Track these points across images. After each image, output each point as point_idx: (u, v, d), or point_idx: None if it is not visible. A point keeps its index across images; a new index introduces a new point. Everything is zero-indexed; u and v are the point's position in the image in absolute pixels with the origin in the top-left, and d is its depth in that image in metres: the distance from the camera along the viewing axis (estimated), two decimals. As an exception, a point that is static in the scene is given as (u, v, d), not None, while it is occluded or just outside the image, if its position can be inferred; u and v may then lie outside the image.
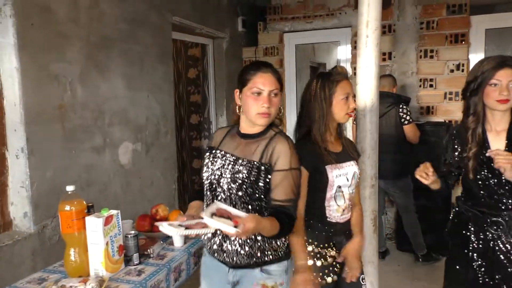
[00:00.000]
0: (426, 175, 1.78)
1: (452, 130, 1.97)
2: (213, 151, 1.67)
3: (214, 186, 1.60)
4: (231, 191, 1.54)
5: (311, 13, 4.52)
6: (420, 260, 3.63)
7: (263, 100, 1.51)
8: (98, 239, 1.67)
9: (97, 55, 2.65)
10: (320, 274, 1.75)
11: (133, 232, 1.86)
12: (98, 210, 1.80)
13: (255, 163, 1.54)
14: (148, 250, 1.92)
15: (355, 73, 3.16)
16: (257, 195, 1.54)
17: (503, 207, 1.78)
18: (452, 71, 4.02)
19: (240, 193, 1.53)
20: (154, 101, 3.21)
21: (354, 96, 1.82)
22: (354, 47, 4.35)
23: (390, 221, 4.05)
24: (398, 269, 3.47)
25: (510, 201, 1.77)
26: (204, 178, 1.64)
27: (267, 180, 1.53)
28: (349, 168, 1.80)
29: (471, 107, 1.82)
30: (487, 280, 1.82)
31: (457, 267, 1.93)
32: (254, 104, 1.53)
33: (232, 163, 1.57)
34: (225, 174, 1.57)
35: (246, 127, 1.62)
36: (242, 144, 1.61)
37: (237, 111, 1.63)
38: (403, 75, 4.16)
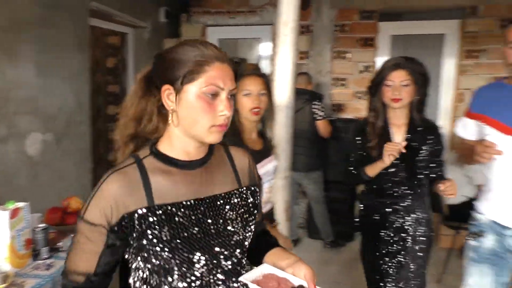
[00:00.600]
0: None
1: (356, 125, 2.15)
2: (151, 217, 0.95)
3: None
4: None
5: (234, 8, 4.59)
6: (328, 246, 3.91)
7: (222, 105, 0.98)
8: (1, 233, 1.59)
9: (3, 39, 2.47)
10: None
11: (42, 225, 1.79)
12: (3, 203, 1.70)
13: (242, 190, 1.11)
14: (59, 244, 1.86)
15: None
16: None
17: (401, 194, 1.97)
18: (361, 72, 4.33)
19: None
20: (68, 89, 3.07)
21: (266, 94, 1.77)
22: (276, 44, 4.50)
23: (302, 211, 4.28)
24: (309, 256, 3.69)
25: (407, 189, 1.98)
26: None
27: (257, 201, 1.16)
28: (270, 165, 1.85)
29: (372, 104, 2.02)
30: (396, 264, 2.01)
31: (371, 256, 2.09)
32: (210, 112, 0.97)
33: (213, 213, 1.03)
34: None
35: (184, 148, 1.02)
36: (198, 177, 1.03)
37: (169, 119, 1.00)
38: (318, 74, 4.39)
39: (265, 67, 5.15)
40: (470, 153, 1.95)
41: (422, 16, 4.31)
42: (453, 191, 1.78)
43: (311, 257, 3.63)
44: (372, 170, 1.98)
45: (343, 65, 4.37)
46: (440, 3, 4.12)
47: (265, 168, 1.80)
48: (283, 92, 2.52)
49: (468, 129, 1.97)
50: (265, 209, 1.89)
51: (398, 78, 1.89)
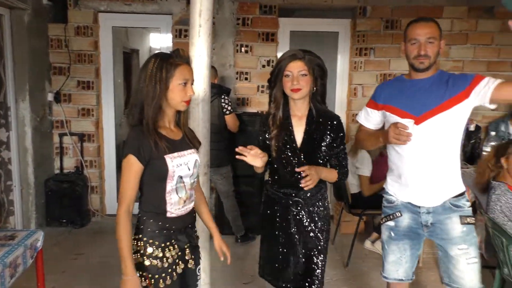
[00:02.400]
0: None
1: (261, 118, 2.16)
2: None
3: None
4: None
5: (130, -5, 4.28)
6: (239, 240, 3.90)
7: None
8: None
9: None
10: (156, 276, 1.64)
11: None
12: None
13: None
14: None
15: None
16: None
17: (301, 187, 1.98)
18: (264, 66, 4.40)
19: None
20: None
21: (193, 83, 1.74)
22: (176, 35, 4.33)
23: (211, 207, 4.21)
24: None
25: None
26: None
27: None
28: (190, 157, 1.73)
29: (272, 95, 2.04)
30: (293, 254, 2.05)
31: (268, 245, 2.14)
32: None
33: None
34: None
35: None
36: None
37: None
38: (222, 67, 4.34)
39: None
40: (369, 138, 2.17)
41: (318, 14, 4.53)
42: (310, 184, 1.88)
43: (223, 253, 3.60)
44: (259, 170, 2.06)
45: (246, 59, 4.38)
46: (334, 3, 4.35)
47: (182, 159, 1.68)
48: (199, 86, 2.41)
49: (370, 119, 2.18)
50: (185, 211, 1.76)
51: (296, 69, 1.93)
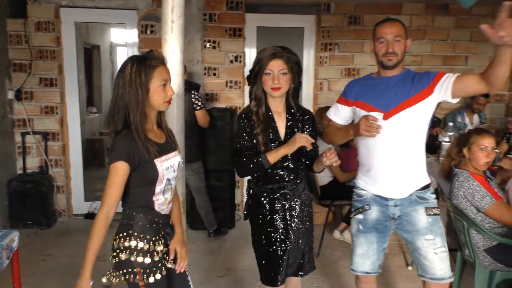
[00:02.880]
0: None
1: (240, 114, 2.14)
2: None
3: None
4: None
5: (93, -11, 4.19)
6: (212, 235, 3.93)
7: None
8: None
9: None
10: (148, 271, 1.64)
11: None
12: None
13: None
14: None
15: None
16: None
17: (287, 179, 2.07)
18: (231, 62, 4.43)
19: None
20: None
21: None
22: (142, 31, 4.28)
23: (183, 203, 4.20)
24: (195, 247, 3.67)
25: (293, 174, 2.08)
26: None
27: None
28: (175, 159, 1.75)
29: (253, 93, 2.07)
30: (287, 247, 2.09)
31: (267, 246, 2.10)
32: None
33: None
34: None
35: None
36: None
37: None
38: (190, 63, 4.33)
39: (125, 54, 4.86)
40: (337, 133, 2.26)
41: (284, 10, 4.60)
42: (335, 157, 1.93)
43: (198, 248, 3.62)
44: (274, 157, 1.99)
45: (214, 54, 4.40)
46: (299, -1, 4.46)
47: (169, 162, 1.70)
48: (173, 82, 2.41)
49: (339, 114, 2.25)
50: (168, 210, 1.79)
51: (277, 67, 1.96)
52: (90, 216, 4.45)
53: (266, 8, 4.65)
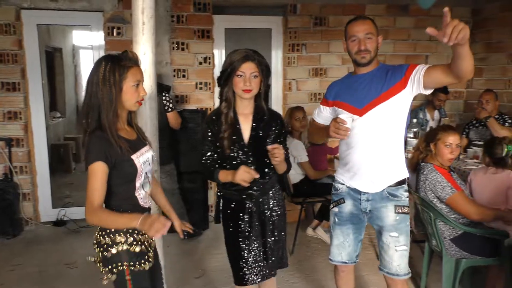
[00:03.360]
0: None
1: (209, 116, 2.16)
2: None
3: None
4: None
5: (56, -9, 4.08)
6: (186, 237, 3.92)
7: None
8: None
9: None
10: (132, 262, 1.69)
11: None
12: None
13: None
14: None
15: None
16: None
17: (254, 181, 2.03)
18: (200, 63, 4.43)
19: None
20: None
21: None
22: (108, 33, 4.21)
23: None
24: (169, 249, 3.64)
25: (259, 176, 2.03)
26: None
27: None
28: (148, 154, 1.80)
29: (224, 94, 2.07)
30: (264, 245, 2.13)
31: (239, 247, 2.11)
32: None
33: None
34: None
35: None
36: None
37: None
38: (159, 65, 4.29)
39: (90, 57, 4.76)
40: (318, 132, 2.37)
41: (251, 11, 4.64)
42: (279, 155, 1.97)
43: (172, 251, 3.60)
44: (223, 178, 2.04)
45: (183, 56, 4.38)
46: (266, 0, 4.50)
47: (144, 157, 1.76)
48: (145, 83, 2.39)
49: (321, 115, 2.33)
50: (149, 203, 1.86)
51: (249, 70, 1.98)
52: (59, 223, 4.34)
53: (233, 10, 4.68)
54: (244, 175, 1.96)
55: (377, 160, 2.12)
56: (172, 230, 3.94)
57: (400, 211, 2.15)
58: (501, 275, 2.63)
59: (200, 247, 3.84)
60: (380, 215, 2.17)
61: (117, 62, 1.65)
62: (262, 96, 2.10)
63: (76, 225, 4.28)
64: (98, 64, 1.65)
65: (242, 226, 2.11)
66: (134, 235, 1.70)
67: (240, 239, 2.11)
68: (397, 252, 2.14)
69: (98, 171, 1.58)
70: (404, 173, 2.18)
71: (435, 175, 2.59)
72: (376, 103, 2.05)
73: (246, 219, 2.11)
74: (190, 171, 4.00)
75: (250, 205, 2.11)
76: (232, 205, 2.13)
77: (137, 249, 1.70)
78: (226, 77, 2.03)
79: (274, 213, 2.17)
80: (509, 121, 4.00)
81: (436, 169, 2.62)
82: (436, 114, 4.66)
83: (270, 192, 2.17)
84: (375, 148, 2.11)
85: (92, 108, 1.63)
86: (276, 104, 4.71)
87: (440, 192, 2.57)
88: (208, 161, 2.13)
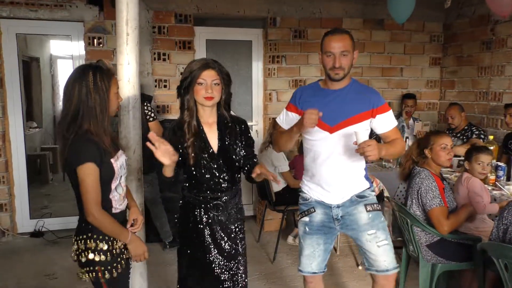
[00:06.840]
0: None
1: (171, 125, 2.11)
2: None
3: None
4: None
5: (36, 0, 4.07)
6: (168, 247, 3.91)
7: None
8: None
9: None
10: (109, 267, 1.76)
11: None
12: None
13: None
14: None
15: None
16: None
17: (221, 190, 2.04)
18: (182, 74, 4.45)
19: None
20: None
21: None
22: (89, 43, 4.21)
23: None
24: (151, 259, 3.59)
25: (226, 184, 2.05)
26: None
27: None
28: (122, 157, 1.87)
29: (185, 103, 2.01)
30: (218, 258, 2.07)
31: (191, 253, 2.09)
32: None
33: None
34: None
35: None
36: None
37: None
38: (140, 75, 4.25)
39: (69, 67, 4.74)
40: (283, 136, 2.30)
41: (232, 23, 4.72)
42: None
43: (154, 260, 3.58)
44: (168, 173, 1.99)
45: (164, 67, 4.42)
46: (246, 13, 4.59)
47: (120, 160, 1.83)
48: (129, 93, 2.46)
49: (288, 121, 2.29)
50: (124, 206, 1.92)
51: (210, 77, 1.95)
52: (37, 234, 4.26)
53: (214, 22, 4.76)
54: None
55: (346, 175, 2.20)
56: (151, 239, 3.96)
57: (371, 209, 2.22)
58: (474, 279, 2.72)
59: (182, 257, 3.83)
60: (353, 218, 2.22)
61: (103, 71, 1.73)
62: (223, 104, 2.07)
63: (54, 235, 4.22)
64: (82, 72, 1.70)
65: (203, 236, 2.05)
66: (114, 242, 1.79)
67: (198, 250, 2.07)
68: (380, 247, 2.19)
69: (92, 171, 1.66)
70: (366, 184, 2.28)
71: (432, 183, 2.65)
72: (347, 124, 2.13)
73: (209, 229, 2.06)
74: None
75: (216, 216, 2.05)
76: (196, 213, 2.05)
77: (109, 257, 1.77)
78: (187, 86, 1.98)
79: (236, 230, 2.13)
80: (476, 132, 4.17)
81: (434, 177, 2.69)
82: (411, 121, 4.79)
83: (236, 205, 2.13)
84: (341, 163, 2.18)
85: (83, 115, 1.69)
86: (257, 114, 4.77)
87: (428, 200, 2.63)
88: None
